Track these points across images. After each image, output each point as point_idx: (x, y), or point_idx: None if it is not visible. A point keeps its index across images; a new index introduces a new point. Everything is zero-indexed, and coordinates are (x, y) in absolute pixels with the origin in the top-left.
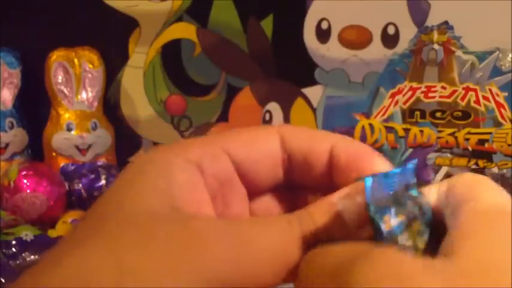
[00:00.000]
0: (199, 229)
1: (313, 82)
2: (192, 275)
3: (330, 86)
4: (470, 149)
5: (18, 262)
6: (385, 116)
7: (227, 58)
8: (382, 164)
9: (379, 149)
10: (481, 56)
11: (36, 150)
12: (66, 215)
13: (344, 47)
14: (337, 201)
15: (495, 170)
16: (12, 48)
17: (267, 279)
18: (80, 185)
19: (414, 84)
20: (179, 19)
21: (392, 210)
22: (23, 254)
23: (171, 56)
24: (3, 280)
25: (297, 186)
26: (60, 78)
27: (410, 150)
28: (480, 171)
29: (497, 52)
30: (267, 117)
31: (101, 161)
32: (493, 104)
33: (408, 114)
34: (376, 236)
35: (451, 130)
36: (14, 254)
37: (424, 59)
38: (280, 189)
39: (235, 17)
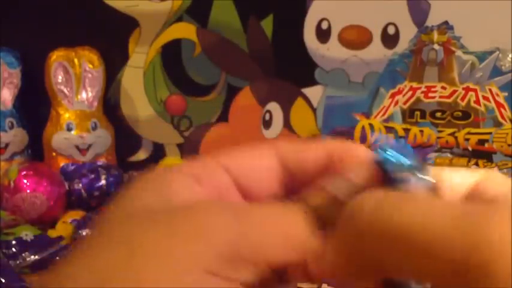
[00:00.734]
0: (203, 207)
1: (313, 82)
2: (202, 246)
3: (330, 86)
4: (470, 149)
5: (18, 262)
6: (385, 116)
7: (227, 58)
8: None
9: None
10: (481, 56)
11: (36, 150)
12: (66, 215)
13: (344, 47)
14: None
15: (495, 170)
16: (12, 48)
17: (276, 251)
18: (80, 185)
19: (414, 84)
20: (179, 19)
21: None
22: (23, 254)
23: (171, 56)
24: (3, 280)
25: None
26: (60, 78)
27: None
28: None
29: (497, 52)
30: (267, 117)
31: (101, 161)
32: (493, 104)
33: (408, 114)
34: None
35: (451, 130)
36: (14, 254)
37: (424, 59)
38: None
39: (235, 17)
